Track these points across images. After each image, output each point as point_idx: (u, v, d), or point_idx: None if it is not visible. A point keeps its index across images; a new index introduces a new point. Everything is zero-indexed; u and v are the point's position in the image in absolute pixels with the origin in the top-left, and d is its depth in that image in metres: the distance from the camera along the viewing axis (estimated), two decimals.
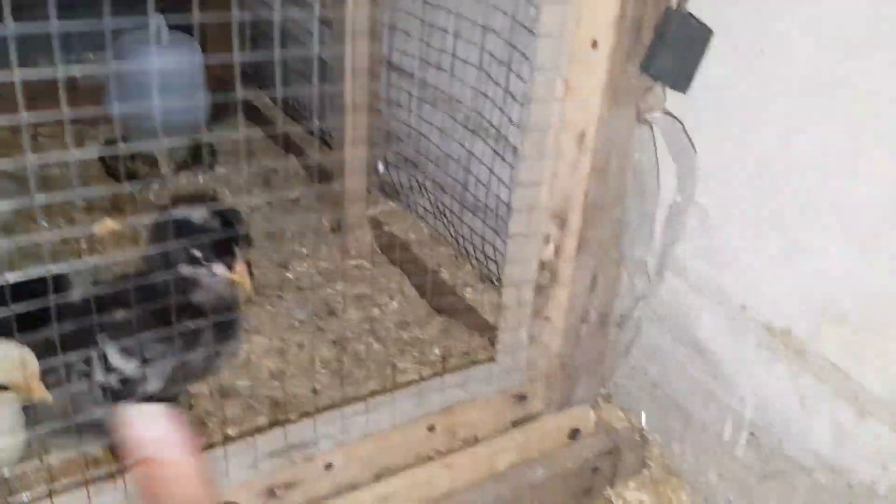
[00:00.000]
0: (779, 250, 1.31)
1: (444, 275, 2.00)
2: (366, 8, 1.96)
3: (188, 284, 1.37)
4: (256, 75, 2.73)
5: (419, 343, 1.85)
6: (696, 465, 1.53)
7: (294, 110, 2.67)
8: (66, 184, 2.20)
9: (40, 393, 1.16)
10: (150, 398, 1.29)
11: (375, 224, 2.20)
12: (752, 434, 1.40)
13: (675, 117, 1.28)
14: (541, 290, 1.28)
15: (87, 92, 2.45)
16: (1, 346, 1.15)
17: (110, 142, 2.40)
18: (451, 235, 2.06)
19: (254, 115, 2.73)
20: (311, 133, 2.52)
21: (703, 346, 1.47)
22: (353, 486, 1.25)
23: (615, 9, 1.09)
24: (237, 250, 1.38)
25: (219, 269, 1.38)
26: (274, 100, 2.71)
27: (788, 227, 1.28)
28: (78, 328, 1.10)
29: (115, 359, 1.26)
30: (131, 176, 2.33)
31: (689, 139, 1.29)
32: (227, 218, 1.41)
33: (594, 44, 1.11)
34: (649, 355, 1.59)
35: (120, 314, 1.24)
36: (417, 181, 2.13)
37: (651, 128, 1.26)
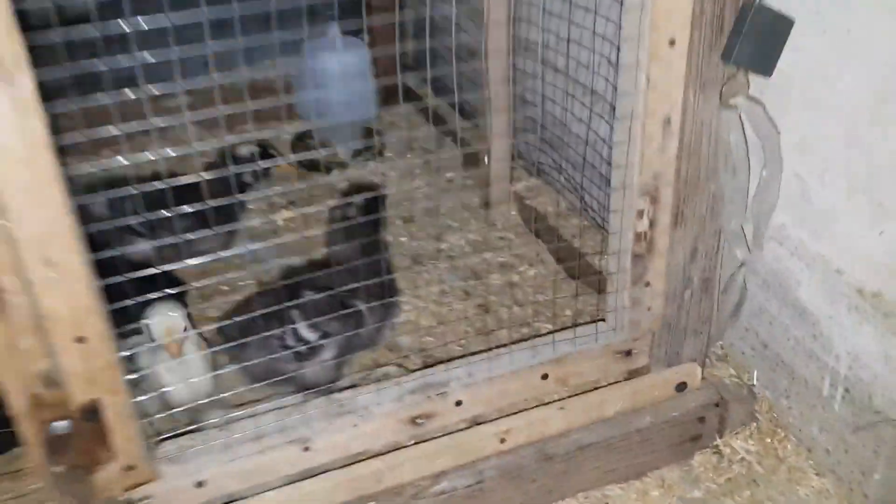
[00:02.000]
0: (870, 217, 1.41)
1: (577, 243, 2.21)
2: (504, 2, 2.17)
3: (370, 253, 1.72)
4: (419, 65, 3.04)
5: (553, 305, 2.08)
6: (801, 419, 1.66)
7: (451, 95, 2.95)
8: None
9: (176, 353, 1.53)
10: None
11: (518, 199, 2.44)
12: (846, 390, 1.52)
13: (757, 101, 1.41)
14: (639, 258, 1.47)
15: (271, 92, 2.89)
16: (165, 306, 1.53)
17: (299, 137, 2.80)
18: (582, 207, 2.26)
19: (415, 100, 3.04)
20: (462, 115, 2.80)
21: (803, 307, 1.59)
22: (478, 421, 1.52)
23: (689, 10, 1.26)
24: None
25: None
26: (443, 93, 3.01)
27: (878, 194, 1.38)
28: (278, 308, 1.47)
29: (304, 331, 1.61)
30: (314, 164, 2.71)
31: (771, 120, 1.43)
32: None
33: (672, 42, 1.28)
34: (758, 317, 1.72)
35: (308, 296, 1.60)
36: (553, 160, 2.34)
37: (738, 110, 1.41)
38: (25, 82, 0.97)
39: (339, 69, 2.57)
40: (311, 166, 2.69)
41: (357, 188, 2.31)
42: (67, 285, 1.11)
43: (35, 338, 1.14)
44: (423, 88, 3.04)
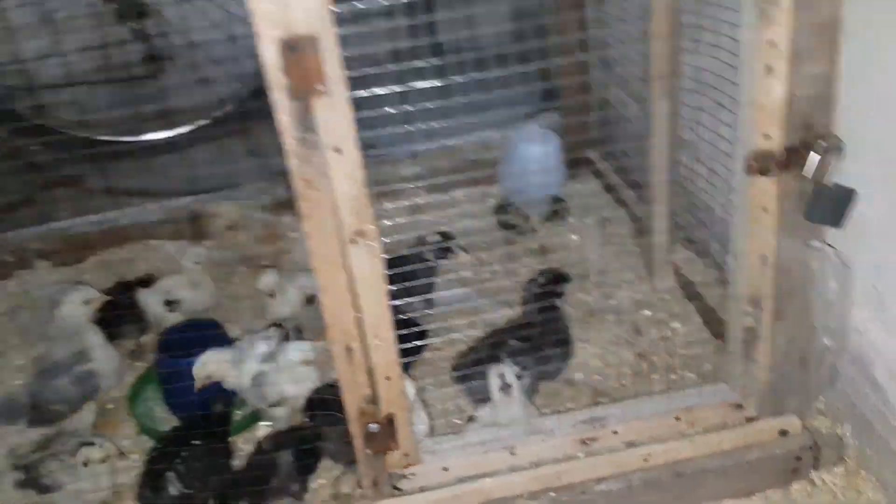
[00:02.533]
0: None
1: (721, 311, 2.82)
2: (665, 102, 2.79)
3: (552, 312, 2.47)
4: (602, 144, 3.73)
5: (698, 359, 2.71)
6: (878, 464, 2.21)
7: (625, 174, 3.62)
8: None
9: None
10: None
11: (676, 267, 3.08)
12: None
13: (830, 245, 2.00)
14: (748, 343, 2.10)
15: (484, 163, 3.71)
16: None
17: (501, 205, 3.58)
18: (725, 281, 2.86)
19: (598, 175, 3.74)
20: (636, 193, 3.46)
21: (877, 383, 2.15)
22: (629, 445, 2.21)
23: (774, 190, 1.89)
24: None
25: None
26: (619, 171, 3.68)
27: None
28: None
29: (507, 372, 2.36)
30: (512, 226, 3.48)
31: (841, 258, 2.01)
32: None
33: (764, 209, 1.91)
34: (850, 384, 2.28)
35: (512, 342, 2.37)
36: (703, 239, 2.95)
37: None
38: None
39: (536, 157, 3.31)
40: (509, 228, 3.47)
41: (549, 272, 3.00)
42: (385, 349, 1.94)
43: (365, 376, 1.98)
44: (602, 163, 3.74)
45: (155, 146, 3.91)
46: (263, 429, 2.63)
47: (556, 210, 3.53)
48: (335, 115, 1.63)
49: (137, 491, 2.20)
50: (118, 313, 2.90)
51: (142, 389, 2.85)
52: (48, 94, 3.99)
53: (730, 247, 2.02)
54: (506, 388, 2.21)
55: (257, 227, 3.43)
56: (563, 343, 2.46)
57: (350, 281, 1.85)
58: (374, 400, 2.01)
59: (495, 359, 2.37)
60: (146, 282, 3.16)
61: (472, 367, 2.33)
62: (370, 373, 1.97)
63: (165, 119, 3.95)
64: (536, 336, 2.35)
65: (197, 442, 2.24)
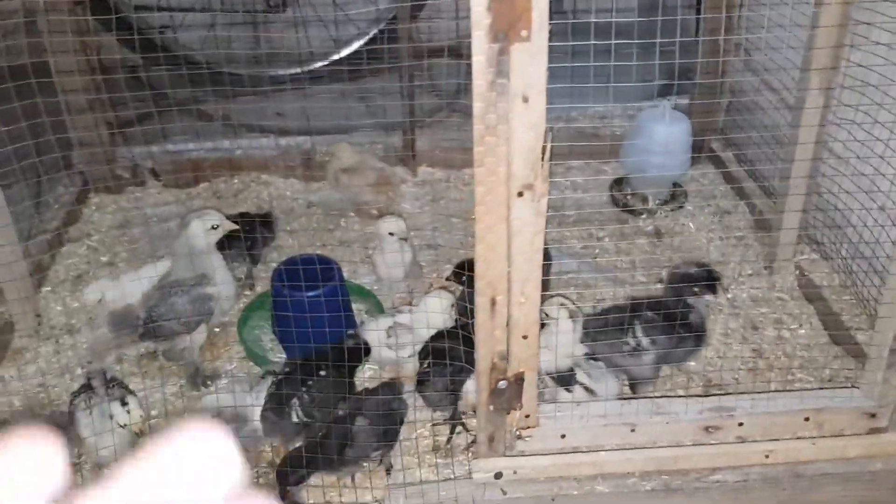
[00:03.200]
0: None
1: (844, 317, 2.73)
2: (819, 96, 2.68)
3: (688, 307, 2.40)
4: (725, 133, 3.63)
5: (815, 362, 2.64)
6: None
7: (751, 165, 3.52)
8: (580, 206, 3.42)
9: None
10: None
11: (798, 267, 2.99)
12: None
13: None
14: (893, 352, 2.03)
15: (602, 137, 3.64)
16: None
17: (618, 181, 3.52)
18: (855, 287, 2.77)
19: (719, 163, 3.64)
20: (761, 187, 3.36)
21: None
22: (751, 439, 2.17)
23: None
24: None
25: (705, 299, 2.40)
26: (743, 161, 3.58)
27: None
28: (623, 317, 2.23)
29: (640, 335, 2.33)
30: (627, 205, 3.42)
31: None
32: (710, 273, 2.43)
33: None
34: None
35: (648, 314, 2.33)
36: (834, 244, 2.86)
37: None
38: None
39: (663, 137, 3.24)
40: (623, 206, 3.41)
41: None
42: (529, 307, 1.92)
43: (503, 331, 1.96)
44: (725, 152, 3.64)
45: (274, 83, 3.93)
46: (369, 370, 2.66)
47: (674, 194, 3.45)
48: (531, 63, 1.60)
49: (261, 412, 2.23)
50: (249, 236, 2.99)
51: (250, 317, 2.89)
52: (177, 20, 4.04)
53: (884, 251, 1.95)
54: (636, 351, 2.18)
55: (372, 173, 3.42)
56: (700, 332, 2.42)
57: (508, 234, 1.83)
58: (506, 357, 2.00)
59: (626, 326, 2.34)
60: (267, 219, 3.20)
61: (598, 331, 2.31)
62: (509, 329, 1.96)
63: (285, 58, 3.96)
64: (674, 317, 2.31)
65: (323, 373, 2.25)
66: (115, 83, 3.49)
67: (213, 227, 2.66)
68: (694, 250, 3.17)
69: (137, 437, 2.20)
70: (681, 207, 3.43)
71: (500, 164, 1.74)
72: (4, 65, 2.61)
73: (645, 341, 2.32)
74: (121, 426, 2.19)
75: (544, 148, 1.75)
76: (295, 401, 2.19)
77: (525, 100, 1.66)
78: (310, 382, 2.22)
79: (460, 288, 2.65)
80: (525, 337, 1.96)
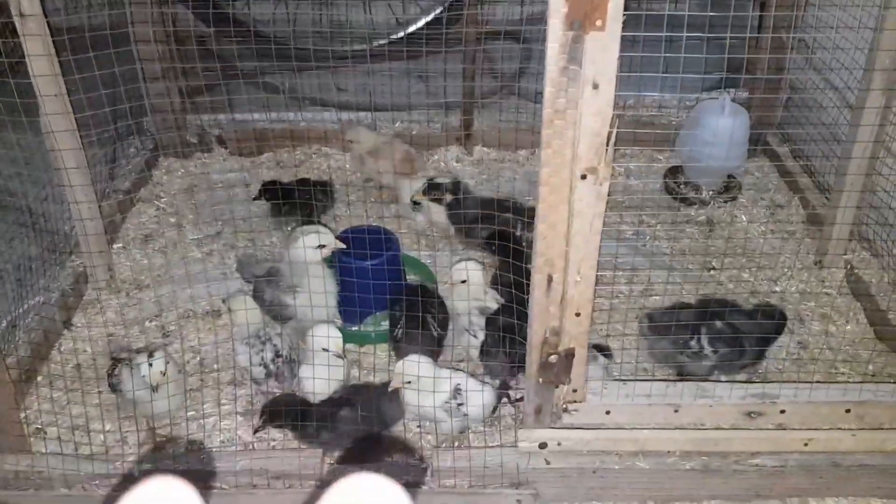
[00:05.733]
0: None
1: (891, 315, 2.76)
2: (880, 97, 2.69)
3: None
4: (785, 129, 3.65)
5: (859, 357, 2.68)
6: None
7: (806, 160, 3.54)
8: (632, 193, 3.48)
9: None
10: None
11: (849, 264, 3.02)
12: None
13: None
14: None
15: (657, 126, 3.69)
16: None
17: (672, 170, 3.57)
18: None
19: (774, 157, 3.67)
20: (815, 182, 3.38)
21: None
22: (792, 427, 2.23)
23: None
24: None
25: None
26: (798, 157, 3.60)
27: None
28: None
29: (705, 344, 2.40)
30: (680, 194, 3.47)
31: None
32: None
33: None
34: None
35: (718, 324, 2.41)
36: (886, 243, 2.88)
37: None
38: None
39: (722, 129, 3.27)
40: (676, 195, 3.46)
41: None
42: (584, 285, 2.00)
43: (557, 308, 2.05)
44: (781, 147, 3.66)
45: (337, 59, 4.03)
46: None
47: (728, 186, 3.48)
48: (604, 51, 1.67)
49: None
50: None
51: None
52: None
53: None
54: (698, 355, 2.27)
55: (398, 154, 3.53)
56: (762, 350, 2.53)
57: (569, 215, 1.91)
58: (557, 332, 2.09)
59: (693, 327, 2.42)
60: (326, 187, 3.34)
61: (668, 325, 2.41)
62: (562, 306, 2.04)
63: (349, 35, 4.06)
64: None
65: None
66: (188, 54, 3.64)
67: (319, 246, 2.68)
68: (746, 242, 3.21)
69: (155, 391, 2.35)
70: (734, 199, 3.46)
71: (566, 147, 1.82)
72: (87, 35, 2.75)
73: (708, 350, 2.39)
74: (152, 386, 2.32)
75: (609, 133, 1.83)
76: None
77: (595, 86, 1.73)
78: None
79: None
80: (578, 314, 2.05)
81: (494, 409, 2.44)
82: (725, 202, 3.44)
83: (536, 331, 2.09)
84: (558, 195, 1.88)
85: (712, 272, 3.05)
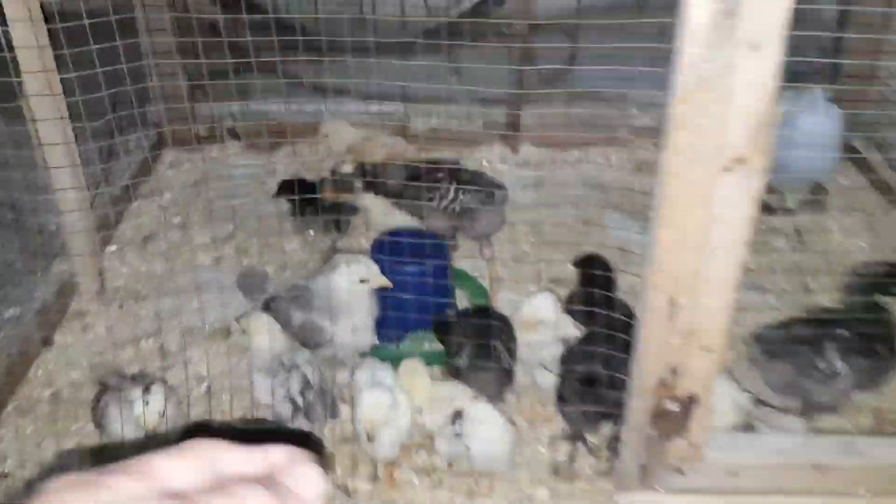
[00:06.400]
0: None
1: None
2: None
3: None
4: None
5: None
6: None
7: None
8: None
9: None
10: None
11: None
12: None
13: None
14: None
15: None
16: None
17: None
18: None
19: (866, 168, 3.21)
20: None
21: None
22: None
23: None
24: None
25: None
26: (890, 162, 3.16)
27: None
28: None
29: (835, 360, 1.93)
30: (766, 206, 3.01)
31: None
32: None
33: None
34: None
35: (842, 331, 1.93)
36: None
37: None
38: None
39: (813, 130, 2.81)
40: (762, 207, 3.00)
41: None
42: (718, 313, 1.54)
43: (680, 340, 1.58)
44: (873, 155, 3.21)
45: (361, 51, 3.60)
46: None
47: (816, 196, 3.03)
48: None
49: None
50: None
51: None
52: None
53: None
54: (831, 375, 1.80)
55: (382, 150, 3.10)
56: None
57: (706, 219, 1.45)
58: (677, 371, 1.63)
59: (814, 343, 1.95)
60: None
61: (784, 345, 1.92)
62: (686, 337, 1.58)
63: (384, 24, 3.63)
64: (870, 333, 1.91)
65: None
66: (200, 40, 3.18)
67: (360, 281, 2.19)
68: (841, 255, 2.75)
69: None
70: (822, 208, 3.01)
71: (708, 130, 1.37)
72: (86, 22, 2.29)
73: (840, 366, 1.92)
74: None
75: (770, 113, 1.38)
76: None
77: (755, 48, 1.29)
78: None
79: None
80: (707, 349, 1.59)
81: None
82: (813, 212, 2.99)
83: (649, 369, 1.63)
84: (693, 193, 1.44)
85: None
